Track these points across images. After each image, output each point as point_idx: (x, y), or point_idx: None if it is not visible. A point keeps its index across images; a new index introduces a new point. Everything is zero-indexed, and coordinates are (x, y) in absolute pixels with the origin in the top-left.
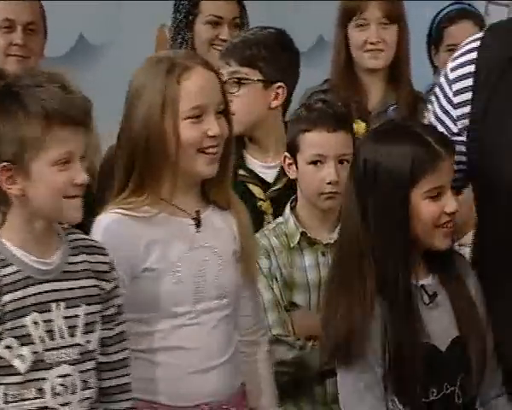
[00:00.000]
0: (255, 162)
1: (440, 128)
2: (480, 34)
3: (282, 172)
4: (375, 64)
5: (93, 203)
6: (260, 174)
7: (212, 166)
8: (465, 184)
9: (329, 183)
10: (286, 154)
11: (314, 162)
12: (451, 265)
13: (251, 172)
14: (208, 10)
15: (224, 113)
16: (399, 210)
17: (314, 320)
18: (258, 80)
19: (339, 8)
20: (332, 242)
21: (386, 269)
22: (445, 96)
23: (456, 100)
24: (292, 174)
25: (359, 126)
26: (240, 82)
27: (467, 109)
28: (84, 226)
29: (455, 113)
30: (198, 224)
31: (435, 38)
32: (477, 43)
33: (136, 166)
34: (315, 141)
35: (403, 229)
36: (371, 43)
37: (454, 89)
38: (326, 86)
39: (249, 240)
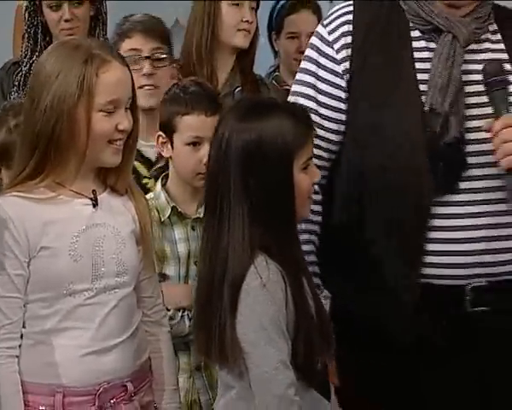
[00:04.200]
0: (139, 141)
1: (328, 89)
2: (349, 3)
3: None
4: (244, 43)
5: None
6: (145, 153)
7: (117, 156)
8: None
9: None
10: (160, 133)
11: (191, 143)
12: None
13: (137, 150)
14: None
15: (131, 106)
16: (286, 184)
17: (183, 291)
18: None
19: None
20: (201, 216)
21: (279, 242)
22: (327, 56)
23: (339, 56)
24: (166, 153)
25: None
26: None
27: (348, 65)
28: None
29: (339, 68)
30: (95, 203)
31: (276, 26)
32: (349, 9)
33: (38, 151)
34: (193, 124)
35: (291, 201)
36: (246, 22)
37: (336, 47)
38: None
39: (148, 225)
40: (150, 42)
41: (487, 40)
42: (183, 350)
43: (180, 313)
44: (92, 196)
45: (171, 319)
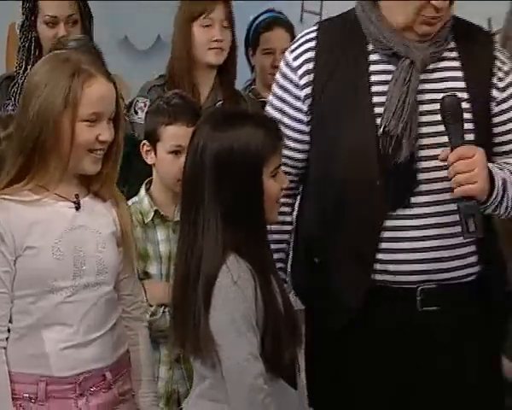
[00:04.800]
0: None
1: (290, 112)
2: (314, 28)
3: None
4: (217, 60)
5: None
6: None
7: (97, 164)
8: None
9: None
10: (144, 141)
11: (173, 152)
12: None
13: None
14: (44, 10)
15: (114, 119)
16: (256, 190)
17: (164, 289)
18: None
19: (183, 9)
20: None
21: (250, 243)
22: (291, 81)
23: (301, 82)
24: (150, 160)
25: None
26: None
27: (309, 90)
28: None
29: (301, 93)
30: (77, 207)
31: (252, 42)
32: (313, 35)
33: (23, 155)
34: (175, 134)
35: (261, 206)
36: (216, 41)
37: (299, 72)
38: (162, 81)
39: (128, 228)
40: None
41: (445, 58)
42: (164, 343)
43: (162, 309)
44: (75, 199)
45: (153, 314)
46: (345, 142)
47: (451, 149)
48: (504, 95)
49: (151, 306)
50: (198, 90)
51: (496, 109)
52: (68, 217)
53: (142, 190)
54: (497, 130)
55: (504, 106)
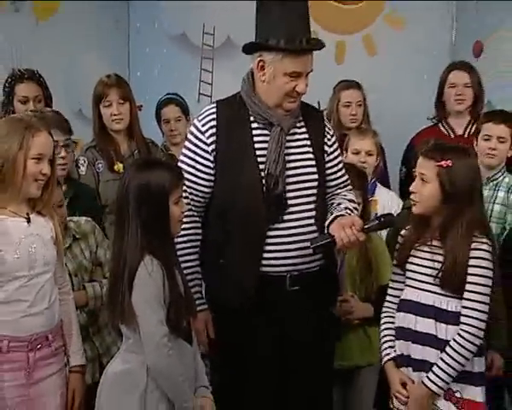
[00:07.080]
0: None
1: (202, 160)
2: (213, 105)
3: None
4: (118, 127)
5: None
6: None
7: (39, 190)
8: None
9: None
10: None
11: None
12: None
13: None
14: (18, 92)
15: (51, 161)
16: (164, 212)
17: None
18: None
19: (93, 93)
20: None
21: (160, 248)
22: (201, 140)
23: (209, 141)
24: None
25: (119, 166)
26: None
27: (214, 146)
28: None
29: (209, 148)
30: (28, 221)
31: (156, 115)
32: (214, 110)
33: None
34: None
35: (167, 223)
36: (115, 115)
37: (206, 135)
38: (94, 143)
39: (59, 233)
40: (61, 136)
41: (297, 126)
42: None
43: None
44: (26, 216)
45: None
46: (240, 180)
47: (363, 229)
48: (332, 149)
49: None
50: (119, 145)
51: (327, 158)
52: (23, 228)
53: None
54: (329, 171)
55: (331, 156)
